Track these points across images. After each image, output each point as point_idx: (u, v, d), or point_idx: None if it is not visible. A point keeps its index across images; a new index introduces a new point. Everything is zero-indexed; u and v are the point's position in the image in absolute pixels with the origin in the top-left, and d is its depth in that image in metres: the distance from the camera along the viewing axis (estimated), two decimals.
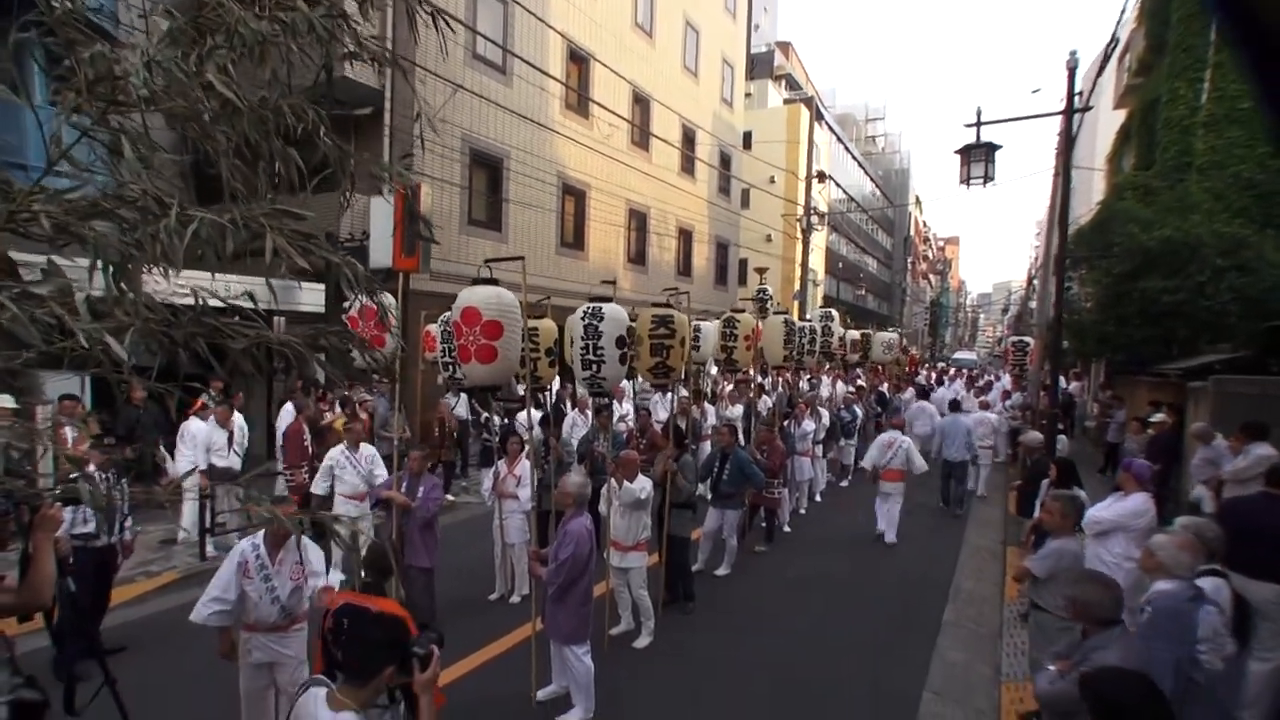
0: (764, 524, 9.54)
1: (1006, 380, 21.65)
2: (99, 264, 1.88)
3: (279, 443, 9.25)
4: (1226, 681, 3.38)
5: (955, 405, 13.02)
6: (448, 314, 6.79)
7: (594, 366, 5.96)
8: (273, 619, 4.28)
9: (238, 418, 9.57)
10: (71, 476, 2.37)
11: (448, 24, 2.41)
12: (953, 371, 32.27)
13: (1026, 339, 17.86)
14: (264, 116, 2.08)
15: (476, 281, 5.43)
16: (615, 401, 11.22)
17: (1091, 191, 24.69)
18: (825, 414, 12.19)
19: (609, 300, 6.03)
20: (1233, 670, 3.42)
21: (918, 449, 10.59)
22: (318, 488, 7.35)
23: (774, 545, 9.44)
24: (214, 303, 2.27)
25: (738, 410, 12.84)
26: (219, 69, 1.95)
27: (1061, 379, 16.86)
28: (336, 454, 7.34)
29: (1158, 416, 10.79)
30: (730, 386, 14.75)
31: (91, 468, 4.82)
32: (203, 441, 8.56)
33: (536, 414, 7.18)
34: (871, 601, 7.65)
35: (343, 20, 2.24)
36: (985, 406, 14.77)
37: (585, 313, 5.99)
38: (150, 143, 1.98)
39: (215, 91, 1.96)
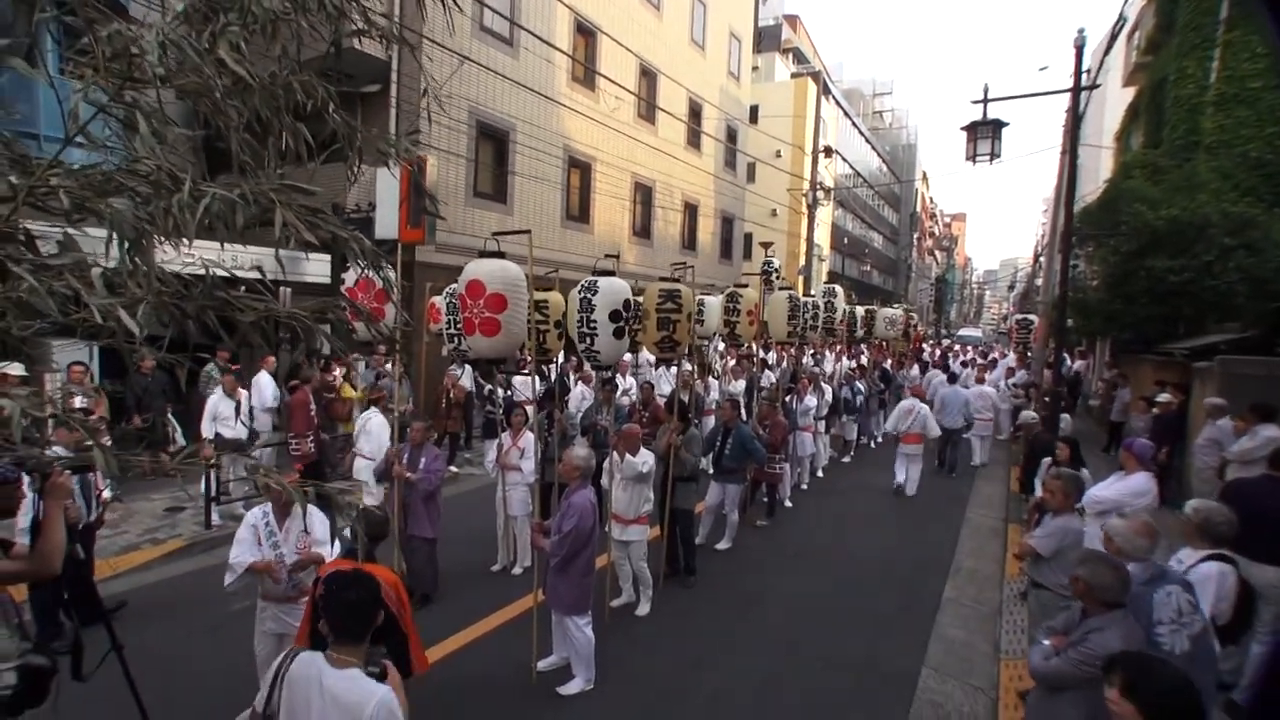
0: (765, 499, 9.60)
1: (1011, 358, 21.62)
2: (115, 240, 1.91)
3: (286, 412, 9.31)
4: (1197, 659, 3.36)
5: (953, 378, 14.40)
6: (453, 286, 6.80)
7: (588, 340, 5.97)
8: (282, 588, 4.34)
9: (267, 381, 9.69)
10: (86, 444, 2.43)
11: (455, 3, 2.41)
12: (958, 348, 32.19)
13: (1031, 317, 17.82)
14: (275, 93, 2.10)
15: (483, 254, 5.44)
16: (619, 375, 11.26)
17: (1099, 169, 24.48)
18: (828, 389, 12.22)
19: (612, 274, 6.02)
20: (1199, 649, 3.40)
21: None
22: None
23: (775, 520, 9.49)
24: (222, 273, 2.30)
25: (740, 385, 12.86)
26: (231, 46, 1.97)
27: (1067, 357, 16.89)
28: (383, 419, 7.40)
29: (1164, 396, 10.78)
30: (733, 361, 14.78)
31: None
32: (210, 411, 8.63)
33: (539, 384, 7.21)
34: (872, 577, 7.69)
35: None
36: (983, 381, 14.92)
37: (582, 286, 5.99)
38: (164, 117, 2.00)
39: (227, 68, 1.98)
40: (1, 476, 2.86)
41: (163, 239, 2.03)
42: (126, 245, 1.88)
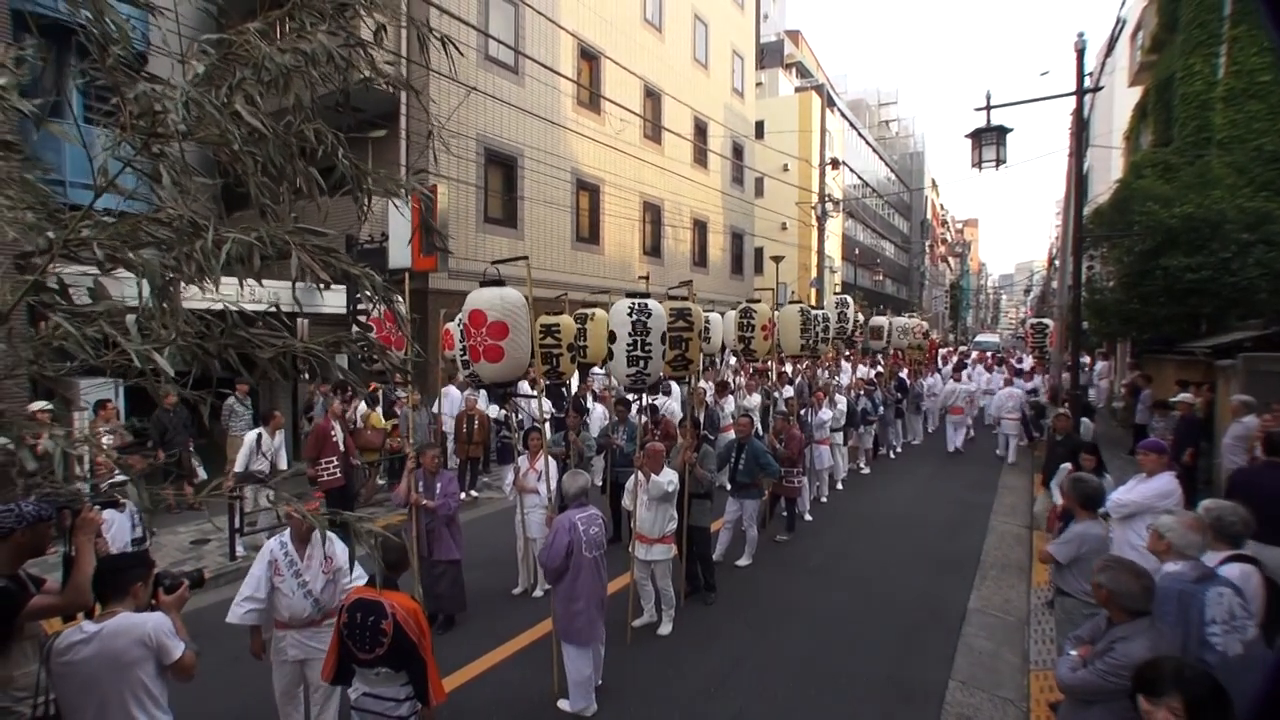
0: (785, 513, 9.54)
1: (1028, 363, 21.49)
2: (146, 288, 2.03)
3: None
4: (1250, 665, 3.27)
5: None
6: (461, 315, 6.93)
7: (641, 362, 6.03)
8: (306, 613, 4.37)
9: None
10: (115, 481, 2.57)
11: (456, 48, 2.52)
12: (975, 355, 31.82)
13: (1045, 321, 17.76)
14: (288, 142, 2.21)
15: (484, 283, 5.56)
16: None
17: (1111, 169, 24.42)
18: (842, 401, 12.17)
19: (647, 296, 6.11)
20: (1252, 654, 3.29)
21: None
22: None
23: (795, 534, 9.41)
24: (247, 306, 2.42)
25: (755, 400, 12.85)
26: (246, 99, 2.09)
27: (1087, 359, 16.83)
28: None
29: (1183, 396, 10.63)
30: (745, 377, 14.80)
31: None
32: (248, 445, 8.84)
33: (549, 407, 7.27)
34: (895, 589, 7.60)
35: (359, 48, 2.37)
36: (1011, 382, 15.31)
37: (631, 309, 6.03)
38: (186, 167, 2.12)
39: (244, 120, 2.09)
40: (36, 515, 2.94)
41: (188, 283, 2.16)
42: (155, 291, 1.99)
